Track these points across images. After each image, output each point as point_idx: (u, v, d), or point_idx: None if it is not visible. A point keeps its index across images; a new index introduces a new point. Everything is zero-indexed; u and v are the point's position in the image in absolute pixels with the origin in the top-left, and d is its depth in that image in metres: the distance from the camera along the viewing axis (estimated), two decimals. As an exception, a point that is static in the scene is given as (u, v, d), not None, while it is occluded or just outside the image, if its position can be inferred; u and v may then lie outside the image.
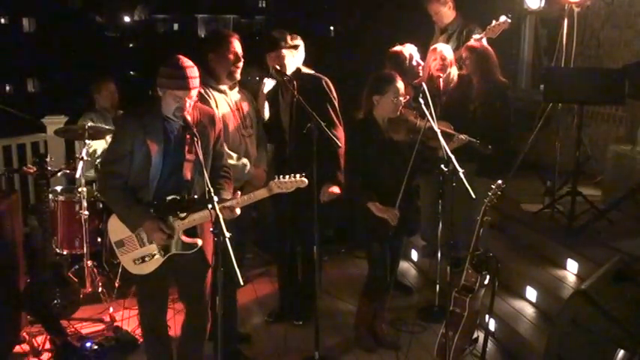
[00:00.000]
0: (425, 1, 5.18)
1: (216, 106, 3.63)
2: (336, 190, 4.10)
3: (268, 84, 4.12)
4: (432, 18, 5.27)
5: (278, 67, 3.96)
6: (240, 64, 3.72)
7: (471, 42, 4.65)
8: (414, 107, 3.95)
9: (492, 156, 4.15)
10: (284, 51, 4.03)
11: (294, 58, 4.10)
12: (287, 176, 3.08)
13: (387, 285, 4.04)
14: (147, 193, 3.06)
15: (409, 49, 4.63)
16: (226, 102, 3.72)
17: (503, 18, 4.74)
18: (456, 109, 4.46)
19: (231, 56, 3.67)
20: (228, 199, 3.10)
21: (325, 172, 3.90)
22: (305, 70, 4.23)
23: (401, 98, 3.74)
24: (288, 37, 4.08)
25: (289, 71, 4.05)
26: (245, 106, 3.86)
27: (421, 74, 4.65)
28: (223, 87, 3.73)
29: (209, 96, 3.62)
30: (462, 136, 4.01)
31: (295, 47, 4.13)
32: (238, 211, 3.08)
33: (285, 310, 4.54)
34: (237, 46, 3.70)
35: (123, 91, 5.60)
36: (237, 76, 3.73)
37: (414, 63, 4.41)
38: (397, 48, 4.65)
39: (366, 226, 3.90)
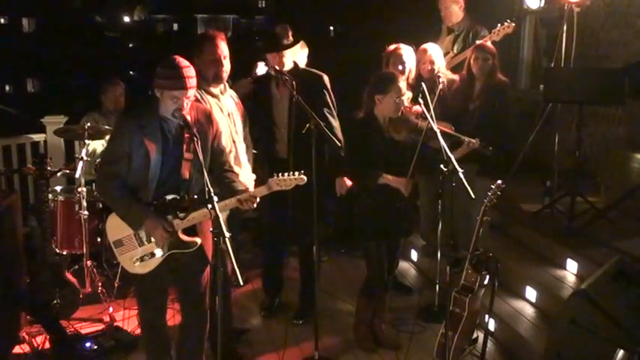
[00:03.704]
0: None
1: (220, 111, 3.61)
2: (348, 181, 4.14)
3: (261, 67, 4.10)
4: (441, 13, 5.25)
5: (277, 67, 3.95)
6: (226, 67, 3.61)
7: (480, 42, 4.65)
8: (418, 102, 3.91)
9: (493, 156, 4.15)
10: (285, 52, 4.00)
11: (292, 54, 4.09)
12: (286, 174, 3.10)
13: (385, 284, 4.04)
14: (146, 193, 3.07)
15: (404, 49, 4.60)
16: (219, 107, 3.67)
17: (507, 22, 4.75)
18: (455, 110, 4.47)
19: (215, 59, 3.56)
20: (244, 189, 3.15)
21: (333, 165, 3.92)
22: (302, 65, 4.23)
23: (403, 98, 3.74)
24: (290, 34, 4.05)
25: (287, 67, 4.03)
26: (234, 111, 3.79)
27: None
28: (215, 91, 3.67)
29: (204, 100, 3.59)
30: (473, 141, 3.98)
31: (295, 43, 4.13)
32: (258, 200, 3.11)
33: (276, 304, 4.59)
34: (221, 47, 3.58)
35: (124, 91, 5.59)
36: (224, 76, 3.63)
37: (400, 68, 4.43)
38: (393, 46, 4.64)
39: (363, 224, 3.90)
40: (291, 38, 4.05)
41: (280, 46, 3.97)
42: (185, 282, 3.31)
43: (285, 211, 4.25)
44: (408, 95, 3.83)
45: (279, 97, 4.15)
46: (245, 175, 3.78)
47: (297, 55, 4.61)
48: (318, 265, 3.91)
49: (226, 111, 3.72)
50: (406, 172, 3.72)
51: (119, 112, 5.35)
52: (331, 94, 4.24)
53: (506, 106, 4.56)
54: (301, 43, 4.68)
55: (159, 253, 3.13)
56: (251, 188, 3.74)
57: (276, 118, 4.16)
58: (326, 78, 4.23)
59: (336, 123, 4.18)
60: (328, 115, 4.14)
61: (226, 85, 3.76)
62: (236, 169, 3.72)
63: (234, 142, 3.73)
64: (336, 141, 3.74)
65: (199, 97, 3.55)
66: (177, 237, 3.10)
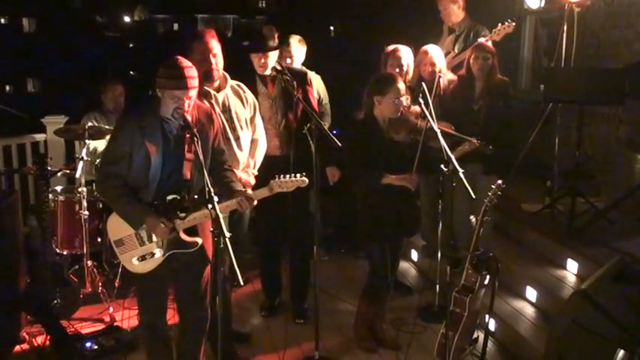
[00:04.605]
0: None
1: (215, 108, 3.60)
2: (337, 171, 4.27)
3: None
4: (440, 14, 5.27)
5: (277, 67, 3.96)
6: (216, 64, 3.57)
7: (479, 42, 4.66)
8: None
9: (498, 155, 4.16)
10: (269, 53, 3.97)
11: (275, 55, 4.05)
12: (288, 175, 3.10)
13: (387, 285, 4.04)
14: (147, 194, 3.07)
15: (403, 51, 4.60)
16: (215, 105, 3.64)
17: (508, 21, 4.76)
18: (456, 110, 4.47)
19: (204, 58, 3.52)
20: (242, 190, 3.15)
21: (324, 155, 3.93)
22: (299, 63, 4.26)
23: (402, 99, 3.74)
24: (276, 36, 4.02)
25: (270, 68, 4.02)
26: (235, 106, 3.75)
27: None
28: (208, 89, 3.63)
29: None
30: (474, 140, 4.00)
31: (280, 46, 4.12)
32: (255, 201, 3.12)
33: (276, 304, 4.61)
34: (211, 45, 3.54)
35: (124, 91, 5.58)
36: (215, 74, 3.60)
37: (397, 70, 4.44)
38: (392, 47, 4.64)
39: (366, 225, 3.90)
40: (277, 41, 4.03)
41: (266, 47, 3.95)
42: (185, 282, 3.31)
43: (283, 210, 4.25)
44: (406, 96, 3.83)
45: (267, 94, 4.14)
46: (242, 173, 3.75)
47: (296, 52, 4.62)
48: (317, 264, 3.91)
49: (219, 108, 3.67)
50: (407, 172, 3.72)
51: (119, 112, 5.35)
52: (313, 90, 4.29)
53: (510, 106, 4.56)
54: (300, 39, 4.69)
55: (159, 252, 3.14)
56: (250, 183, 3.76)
57: (262, 115, 4.14)
58: (310, 75, 4.27)
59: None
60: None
61: (227, 78, 3.73)
62: (242, 171, 3.74)
63: (227, 139, 3.70)
64: (336, 141, 3.74)
65: None
66: (178, 237, 3.10)
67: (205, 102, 3.52)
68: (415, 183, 3.74)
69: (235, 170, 3.61)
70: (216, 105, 3.64)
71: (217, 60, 3.58)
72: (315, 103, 4.30)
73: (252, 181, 3.76)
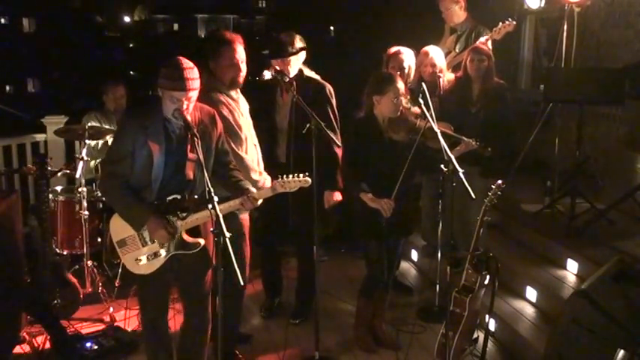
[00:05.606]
0: None
1: (241, 114, 3.61)
2: (338, 196, 4.14)
3: (267, 75, 4.09)
4: (442, 15, 5.27)
5: (279, 69, 3.95)
6: (243, 73, 3.60)
7: (478, 43, 4.65)
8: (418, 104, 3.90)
9: (496, 157, 4.15)
10: (291, 58, 3.98)
11: (298, 61, 4.07)
12: (290, 176, 3.10)
13: (385, 284, 4.04)
14: (149, 194, 3.06)
15: (405, 54, 4.60)
16: (240, 112, 3.66)
17: (509, 20, 4.76)
18: (456, 112, 4.46)
19: (233, 64, 3.54)
20: (251, 189, 3.14)
21: (325, 177, 3.89)
22: (308, 72, 4.21)
23: (401, 98, 3.74)
24: (296, 40, 4.02)
25: (292, 74, 4.01)
26: (246, 112, 3.80)
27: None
28: (234, 95, 3.65)
29: (227, 104, 3.58)
30: (471, 141, 4.00)
31: (302, 50, 4.12)
32: (260, 201, 3.13)
33: (276, 304, 4.60)
34: (239, 52, 3.56)
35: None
36: (240, 80, 3.62)
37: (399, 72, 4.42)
38: (394, 49, 4.64)
39: (362, 224, 3.90)
40: (296, 46, 4.02)
41: (286, 52, 3.95)
42: (187, 282, 3.31)
43: (284, 211, 4.25)
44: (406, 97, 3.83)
45: (282, 103, 4.14)
46: (266, 178, 3.78)
47: (298, 55, 4.61)
48: (318, 265, 3.90)
49: (242, 114, 3.70)
50: (402, 172, 3.71)
51: (120, 112, 5.35)
52: (334, 106, 4.19)
53: (508, 109, 4.56)
54: (300, 38, 4.68)
55: (162, 253, 3.13)
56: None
57: (277, 123, 4.15)
58: (329, 89, 4.20)
59: (336, 135, 4.10)
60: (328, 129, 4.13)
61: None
62: (265, 175, 3.76)
63: (254, 145, 3.73)
64: (337, 141, 3.73)
65: (224, 100, 3.55)
66: (180, 238, 3.10)
67: (234, 105, 3.54)
68: (390, 209, 3.66)
69: (259, 173, 3.69)
70: (239, 110, 3.66)
71: (244, 67, 3.60)
72: (334, 117, 4.16)
73: (269, 184, 3.75)
